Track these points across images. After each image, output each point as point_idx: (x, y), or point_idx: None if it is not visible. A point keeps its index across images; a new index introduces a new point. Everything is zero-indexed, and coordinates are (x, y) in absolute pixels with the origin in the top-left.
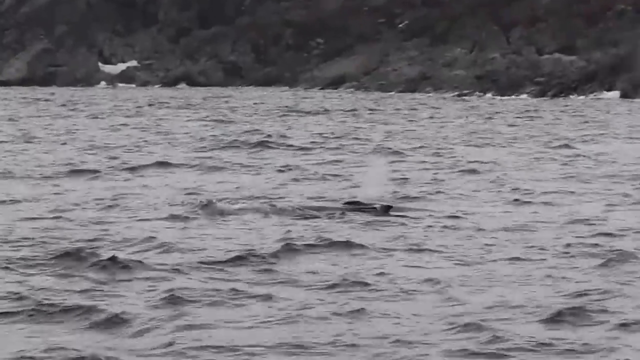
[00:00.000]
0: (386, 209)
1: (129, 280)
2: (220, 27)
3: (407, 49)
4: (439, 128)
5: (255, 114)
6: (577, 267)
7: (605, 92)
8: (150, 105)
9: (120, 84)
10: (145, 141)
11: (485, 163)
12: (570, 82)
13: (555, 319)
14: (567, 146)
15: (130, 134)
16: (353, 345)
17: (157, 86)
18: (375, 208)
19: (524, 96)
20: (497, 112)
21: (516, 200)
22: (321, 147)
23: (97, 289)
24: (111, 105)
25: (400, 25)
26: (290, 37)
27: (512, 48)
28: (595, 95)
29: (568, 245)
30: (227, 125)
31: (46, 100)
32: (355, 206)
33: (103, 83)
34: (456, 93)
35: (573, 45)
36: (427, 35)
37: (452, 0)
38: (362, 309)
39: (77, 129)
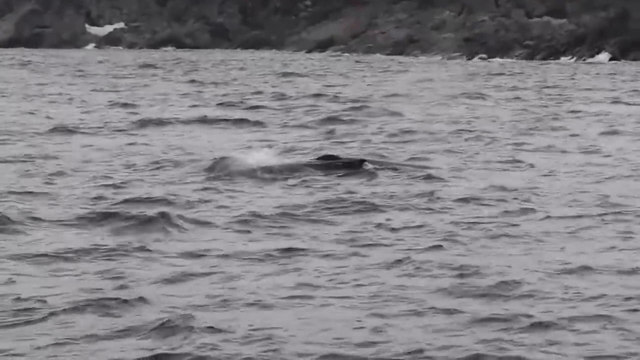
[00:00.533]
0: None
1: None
2: None
3: (395, 12)
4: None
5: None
6: None
7: (596, 55)
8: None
9: (107, 46)
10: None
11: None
12: (560, 46)
13: None
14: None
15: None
16: None
17: (143, 48)
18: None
19: (513, 59)
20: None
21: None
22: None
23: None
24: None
25: None
26: (278, 0)
27: (501, 11)
28: (584, 60)
29: None
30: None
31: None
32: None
33: (92, 45)
34: (445, 56)
35: (562, 8)
36: None
37: None
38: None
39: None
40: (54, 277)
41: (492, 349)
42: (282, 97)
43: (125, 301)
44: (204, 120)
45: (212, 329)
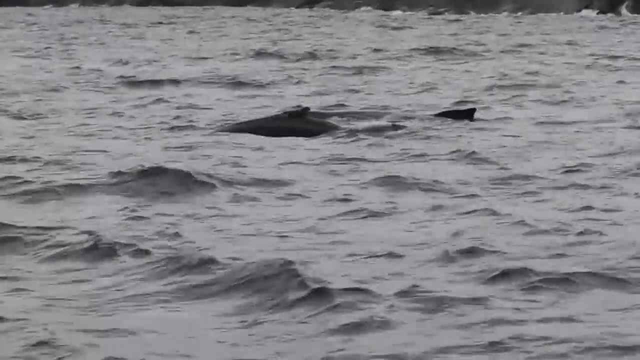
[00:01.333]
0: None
1: None
2: None
3: None
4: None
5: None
6: None
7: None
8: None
9: (93, 5)
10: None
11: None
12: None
13: None
14: None
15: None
16: None
17: (130, 6)
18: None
19: (504, 14)
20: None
21: None
22: None
23: None
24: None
25: None
26: None
27: None
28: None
29: None
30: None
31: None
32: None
33: (75, 4)
34: (432, 11)
35: None
36: None
37: None
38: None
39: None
40: None
41: None
42: None
43: None
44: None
45: None
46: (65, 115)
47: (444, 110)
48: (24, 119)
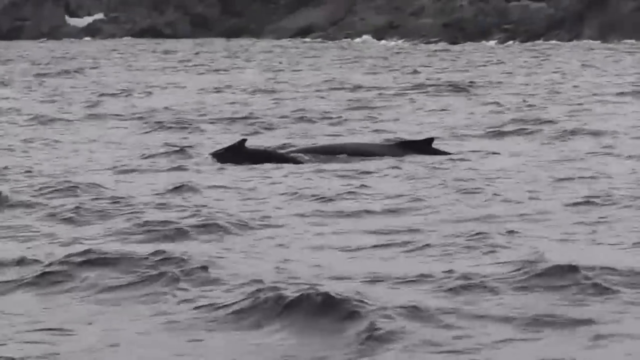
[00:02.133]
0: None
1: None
2: None
3: None
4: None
5: None
6: None
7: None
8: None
9: (86, 37)
10: None
11: None
12: (538, 29)
13: None
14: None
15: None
16: None
17: (125, 37)
18: None
19: (492, 42)
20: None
21: None
22: None
23: None
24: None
25: None
26: None
27: None
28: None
29: None
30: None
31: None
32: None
33: (70, 38)
34: (423, 41)
35: None
36: None
37: None
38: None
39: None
40: None
41: None
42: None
43: None
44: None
45: None
46: None
47: (402, 140)
48: None
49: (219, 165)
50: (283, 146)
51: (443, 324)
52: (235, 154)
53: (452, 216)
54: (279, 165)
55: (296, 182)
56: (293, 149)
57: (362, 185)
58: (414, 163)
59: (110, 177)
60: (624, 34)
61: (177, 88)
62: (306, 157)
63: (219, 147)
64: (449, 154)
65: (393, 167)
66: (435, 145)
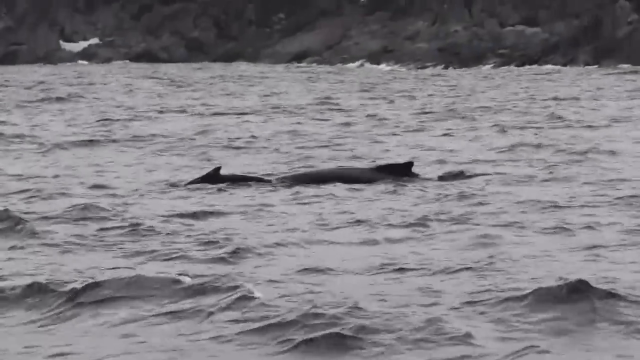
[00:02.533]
0: None
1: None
2: (182, 2)
3: (369, 23)
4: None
5: None
6: None
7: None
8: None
9: (81, 61)
10: None
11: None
12: (533, 54)
13: None
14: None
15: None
16: None
17: (120, 61)
18: None
19: (487, 67)
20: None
21: None
22: None
23: None
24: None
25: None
26: (252, 12)
27: (474, 20)
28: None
29: None
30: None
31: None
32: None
33: (78, 61)
34: (418, 66)
35: (535, 17)
36: (389, 9)
37: None
38: None
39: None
40: None
41: None
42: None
43: None
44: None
45: None
46: None
47: (382, 164)
48: None
49: (198, 192)
50: (269, 171)
51: None
52: (212, 181)
53: (426, 242)
54: (255, 190)
55: (270, 207)
56: (275, 174)
57: (332, 212)
58: (393, 186)
59: (121, 199)
60: (618, 58)
61: (181, 112)
62: (285, 182)
63: (197, 175)
64: (431, 179)
65: (370, 191)
66: (418, 169)
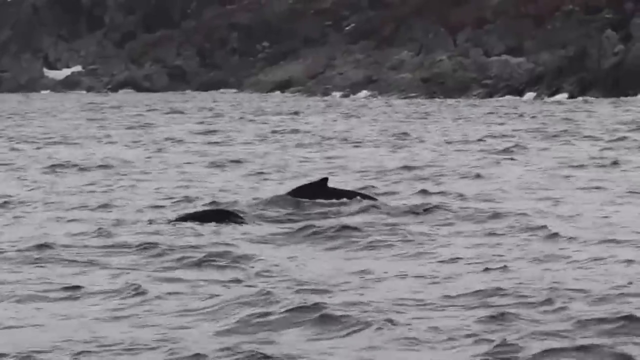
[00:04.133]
0: None
1: None
2: (165, 30)
3: (353, 52)
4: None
5: None
6: None
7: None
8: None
9: (64, 90)
10: None
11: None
12: (518, 84)
13: None
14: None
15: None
16: None
17: (103, 91)
18: None
19: (472, 99)
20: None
21: None
22: None
23: None
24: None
25: (347, 28)
26: (236, 41)
27: (459, 50)
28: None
29: None
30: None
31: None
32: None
33: (47, 90)
34: (403, 96)
35: (521, 46)
36: (373, 38)
37: (399, 2)
38: None
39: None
40: None
41: None
42: None
43: None
44: None
45: None
46: None
47: (296, 187)
48: None
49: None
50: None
51: None
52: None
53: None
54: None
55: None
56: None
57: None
58: (304, 209)
59: None
60: (603, 90)
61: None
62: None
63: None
64: (350, 192)
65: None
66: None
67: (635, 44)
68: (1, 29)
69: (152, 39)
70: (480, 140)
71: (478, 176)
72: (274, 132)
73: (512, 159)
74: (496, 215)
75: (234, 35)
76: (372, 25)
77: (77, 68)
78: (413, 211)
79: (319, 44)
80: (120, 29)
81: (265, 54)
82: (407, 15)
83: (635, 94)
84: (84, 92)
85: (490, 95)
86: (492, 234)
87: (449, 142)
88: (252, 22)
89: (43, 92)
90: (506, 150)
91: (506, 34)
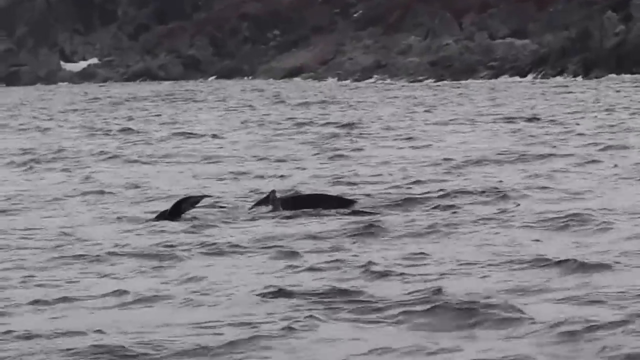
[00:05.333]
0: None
1: None
2: (178, 22)
3: (362, 38)
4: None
5: None
6: None
7: (558, 75)
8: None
9: (81, 81)
10: None
11: None
12: (524, 65)
13: None
14: None
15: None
16: None
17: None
18: None
19: (480, 80)
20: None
21: None
22: None
23: None
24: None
25: (355, 15)
26: (247, 30)
27: (465, 34)
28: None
29: None
30: None
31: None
32: None
33: (65, 82)
34: (411, 79)
35: (525, 29)
36: (381, 24)
37: None
38: None
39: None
40: None
41: None
42: None
43: None
44: None
45: None
46: None
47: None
48: None
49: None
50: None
51: None
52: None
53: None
54: None
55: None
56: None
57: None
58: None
59: None
60: (606, 69)
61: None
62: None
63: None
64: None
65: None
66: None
67: (636, 23)
68: (17, 24)
69: (165, 30)
70: None
71: None
72: None
73: None
74: None
75: (245, 25)
76: (379, 11)
77: (94, 60)
78: None
79: (327, 32)
80: (134, 22)
81: (277, 42)
82: (413, 1)
83: (638, 72)
84: (101, 83)
85: (496, 76)
86: None
87: None
88: (262, 12)
89: (61, 83)
90: None
91: (509, 17)
